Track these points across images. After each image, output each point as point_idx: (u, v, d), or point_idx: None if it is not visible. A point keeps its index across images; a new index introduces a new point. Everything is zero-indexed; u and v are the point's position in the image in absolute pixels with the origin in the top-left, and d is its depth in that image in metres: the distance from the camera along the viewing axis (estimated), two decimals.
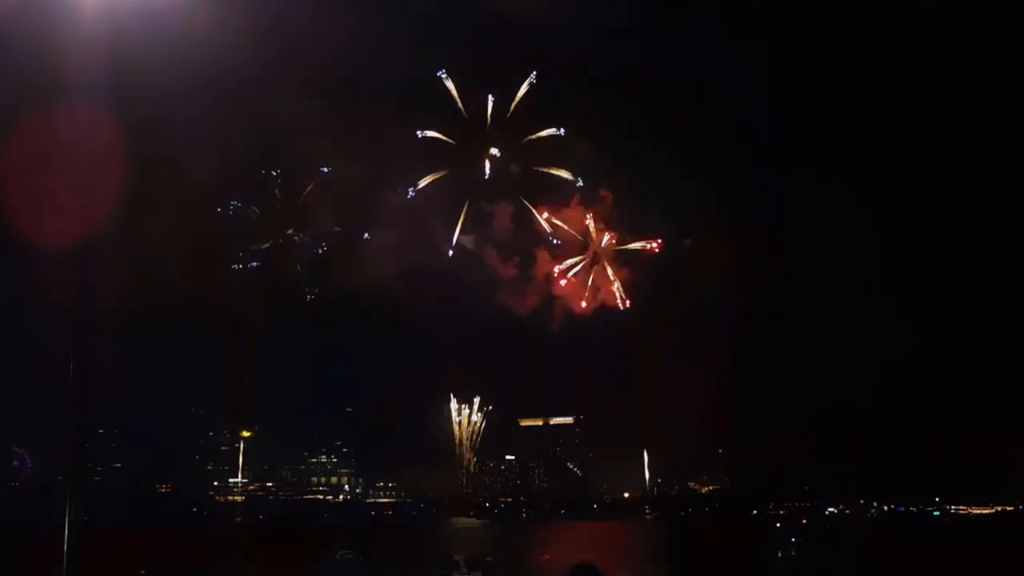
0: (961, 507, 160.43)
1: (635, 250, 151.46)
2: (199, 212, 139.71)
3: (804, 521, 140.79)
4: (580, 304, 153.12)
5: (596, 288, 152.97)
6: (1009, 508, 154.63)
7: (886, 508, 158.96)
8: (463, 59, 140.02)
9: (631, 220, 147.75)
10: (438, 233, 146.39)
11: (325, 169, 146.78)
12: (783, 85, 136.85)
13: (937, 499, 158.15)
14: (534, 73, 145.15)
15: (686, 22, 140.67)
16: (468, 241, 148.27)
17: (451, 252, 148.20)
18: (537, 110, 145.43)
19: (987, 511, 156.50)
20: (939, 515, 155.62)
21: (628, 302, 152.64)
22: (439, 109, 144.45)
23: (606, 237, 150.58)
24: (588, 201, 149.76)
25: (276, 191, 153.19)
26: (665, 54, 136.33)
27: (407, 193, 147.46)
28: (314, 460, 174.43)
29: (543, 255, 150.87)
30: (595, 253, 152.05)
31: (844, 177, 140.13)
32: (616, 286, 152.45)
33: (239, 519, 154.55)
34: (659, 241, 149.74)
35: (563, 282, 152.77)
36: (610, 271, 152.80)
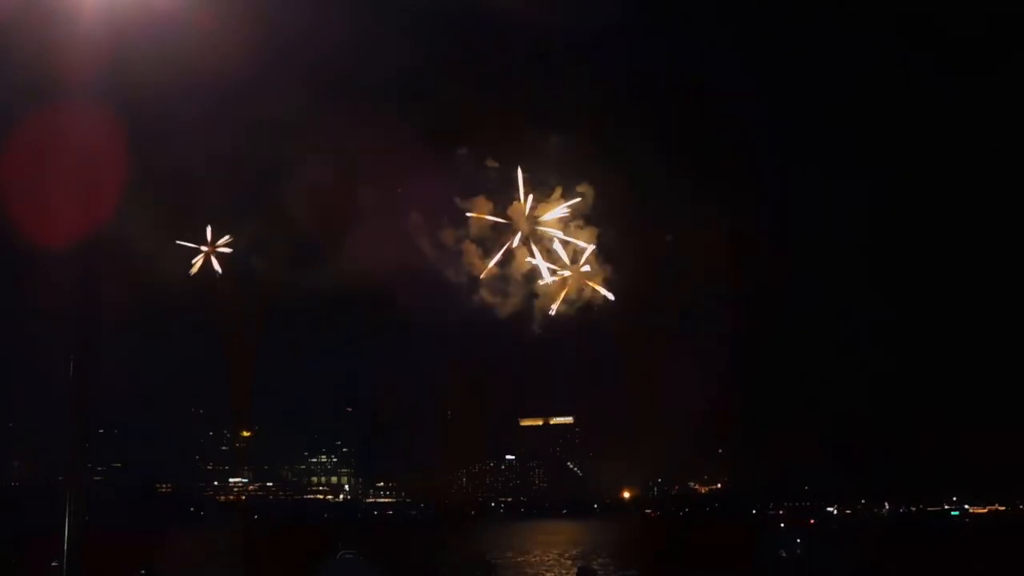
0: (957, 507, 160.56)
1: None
2: (198, 211, 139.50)
3: (812, 521, 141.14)
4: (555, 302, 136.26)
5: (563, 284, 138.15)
6: (1002, 508, 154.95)
7: (899, 508, 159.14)
8: (459, 57, 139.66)
9: (618, 216, 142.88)
10: (430, 231, 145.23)
11: (324, 167, 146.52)
12: (782, 84, 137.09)
13: (955, 498, 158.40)
14: None
15: (685, 20, 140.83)
16: (450, 238, 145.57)
17: (441, 251, 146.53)
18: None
19: (981, 511, 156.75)
20: (958, 515, 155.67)
21: (611, 296, 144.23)
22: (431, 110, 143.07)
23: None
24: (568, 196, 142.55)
25: (275, 190, 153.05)
26: (663, 52, 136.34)
27: (402, 190, 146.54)
28: (314, 460, 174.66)
29: (521, 252, 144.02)
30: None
31: (844, 177, 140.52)
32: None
33: (239, 519, 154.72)
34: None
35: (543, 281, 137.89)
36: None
